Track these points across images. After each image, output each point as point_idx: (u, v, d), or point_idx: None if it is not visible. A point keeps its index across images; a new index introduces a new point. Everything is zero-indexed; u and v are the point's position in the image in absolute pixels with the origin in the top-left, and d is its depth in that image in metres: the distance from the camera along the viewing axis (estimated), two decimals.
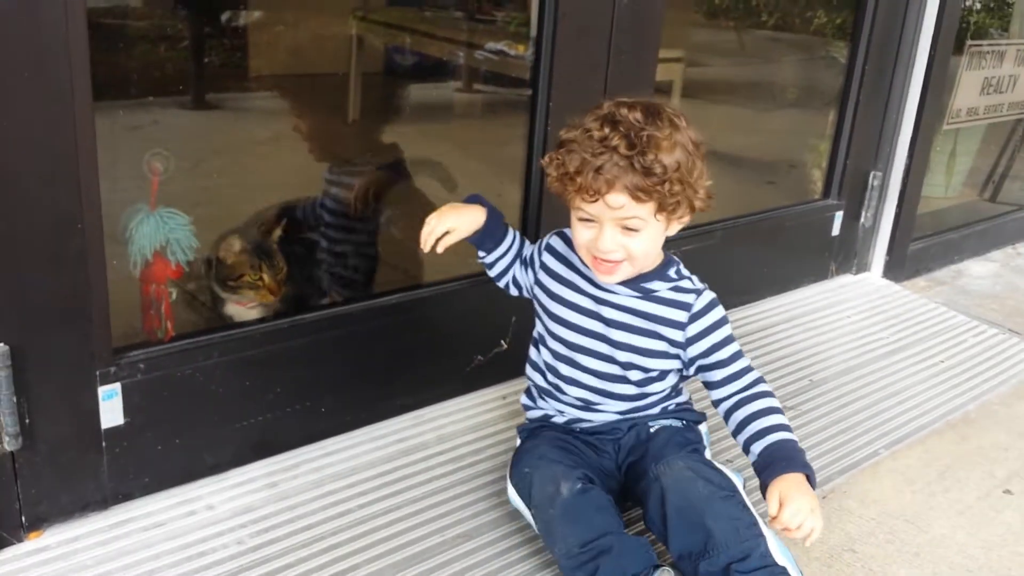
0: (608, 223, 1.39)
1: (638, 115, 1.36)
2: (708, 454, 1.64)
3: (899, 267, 2.90)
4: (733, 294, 2.53)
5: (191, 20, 2.04)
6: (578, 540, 1.36)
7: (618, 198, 1.35)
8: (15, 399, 1.35)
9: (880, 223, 2.84)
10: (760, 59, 3.78)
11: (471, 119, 3.03)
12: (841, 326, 2.53)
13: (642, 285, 1.50)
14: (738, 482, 1.47)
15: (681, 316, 1.51)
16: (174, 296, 1.58)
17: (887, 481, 1.86)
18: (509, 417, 1.95)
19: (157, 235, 1.52)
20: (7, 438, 1.36)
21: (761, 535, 1.37)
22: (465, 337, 1.98)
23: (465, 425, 1.91)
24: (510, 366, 2.01)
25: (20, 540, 1.44)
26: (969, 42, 2.90)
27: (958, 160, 3.38)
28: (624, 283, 1.50)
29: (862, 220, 2.82)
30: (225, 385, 1.60)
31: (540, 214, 2.02)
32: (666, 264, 1.53)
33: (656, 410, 1.61)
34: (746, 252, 2.53)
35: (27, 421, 1.38)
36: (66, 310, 1.38)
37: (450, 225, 1.55)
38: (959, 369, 2.35)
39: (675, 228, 1.45)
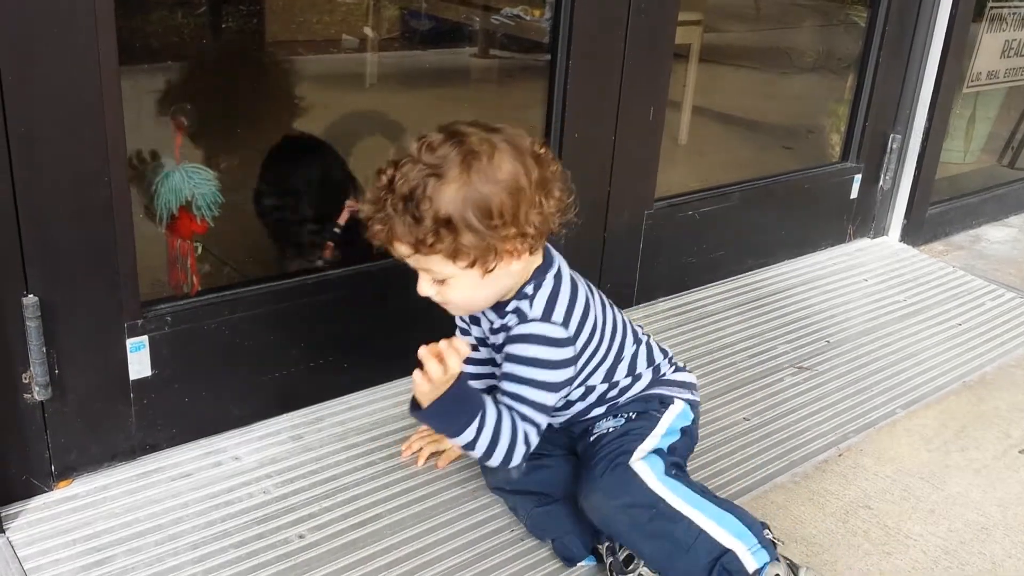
0: (419, 269, 1.31)
1: (430, 155, 1.23)
2: (657, 440, 1.45)
3: (917, 231, 2.89)
4: (750, 256, 2.54)
5: None
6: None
7: (401, 249, 1.27)
8: (44, 350, 1.37)
9: (898, 187, 2.82)
10: (777, 24, 3.75)
11: (488, 84, 3.03)
12: (858, 289, 2.54)
13: (504, 310, 1.38)
14: (656, 477, 1.36)
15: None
16: (199, 251, 1.60)
17: (903, 440, 1.87)
18: None
19: (182, 190, 1.53)
20: (37, 388, 1.39)
21: (700, 532, 1.31)
22: None
23: None
24: None
25: (50, 488, 1.47)
26: (990, 4, 2.87)
27: (977, 126, 3.35)
28: (493, 308, 1.40)
29: (880, 183, 2.81)
30: (251, 339, 1.62)
31: None
32: (529, 283, 1.36)
33: (601, 409, 1.51)
34: (764, 214, 2.53)
35: (56, 372, 1.41)
36: (94, 263, 1.40)
37: (437, 448, 1.62)
38: (976, 332, 2.35)
39: (519, 264, 1.30)
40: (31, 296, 1.34)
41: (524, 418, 1.36)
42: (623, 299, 2.23)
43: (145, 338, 1.49)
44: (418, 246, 1.24)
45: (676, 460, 1.45)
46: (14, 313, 1.34)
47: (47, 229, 1.35)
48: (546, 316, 1.34)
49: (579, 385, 1.47)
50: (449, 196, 1.21)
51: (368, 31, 2.75)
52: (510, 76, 3.07)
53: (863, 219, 2.83)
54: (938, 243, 2.99)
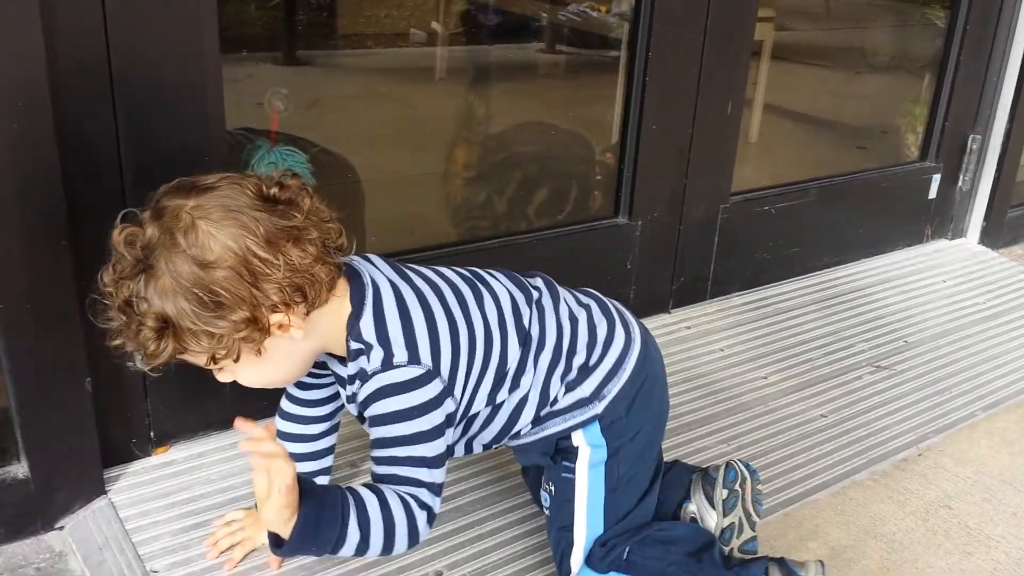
0: None
1: (133, 248, 1.05)
2: (584, 530, 1.33)
3: (996, 234, 2.84)
4: (826, 253, 2.52)
5: None
6: None
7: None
8: None
9: (978, 188, 2.78)
10: (848, 22, 3.71)
11: (555, 79, 3.05)
12: (936, 290, 2.50)
13: (347, 361, 1.20)
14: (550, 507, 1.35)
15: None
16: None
17: (984, 442, 1.85)
18: None
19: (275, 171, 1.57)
20: (139, 357, 1.44)
21: (569, 544, 1.31)
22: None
23: None
24: None
25: (148, 454, 1.53)
26: None
27: None
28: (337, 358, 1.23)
29: (959, 184, 2.77)
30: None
31: (636, 172, 2.03)
32: (353, 324, 1.15)
33: (526, 440, 1.34)
34: (840, 212, 2.51)
35: None
36: None
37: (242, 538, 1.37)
38: None
39: (287, 335, 1.10)
40: None
41: (408, 482, 1.14)
42: (697, 293, 2.24)
43: None
44: (152, 358, 1.06)
45: (618, 533, 1.31)
46: None
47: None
48: (387, 363, 1.13)
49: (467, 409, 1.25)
50: (161, 290, 1.03)
51: (436, 26, 2.78)
52: (577, 71, 3.08)
53: (941, 220, 2.79)
54: (1017, 247, 2.94)
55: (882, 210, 2.64)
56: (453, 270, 1.28)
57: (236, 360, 1.09)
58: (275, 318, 1.07)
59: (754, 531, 1.42)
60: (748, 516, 1.42)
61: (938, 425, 1.87)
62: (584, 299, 1.37)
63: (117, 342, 1.08)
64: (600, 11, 2.78)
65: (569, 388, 1.28)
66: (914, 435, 1.83)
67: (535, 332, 1.26)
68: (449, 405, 1.17)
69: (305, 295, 1.08)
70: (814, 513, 1.60)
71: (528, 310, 1.27)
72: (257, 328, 1.06)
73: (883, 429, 1.84)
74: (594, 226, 2.05)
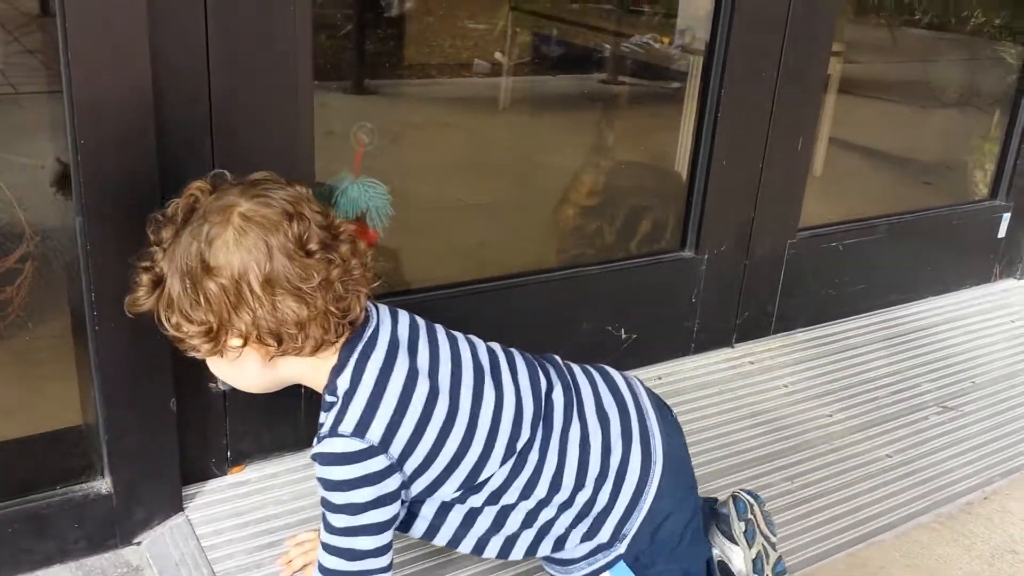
0: None
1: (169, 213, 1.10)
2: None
3: None
4: (893, 291, 2.51)
5: (350, 9, 2.15)
6: None
7: None
8: None
9: None
10: (915, 57, 3.68)
11: (617, 110, 3.07)
12: (1004, 330, 2.47)
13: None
14: None
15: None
16: (370, 259, 1.68)
17: None
18: (665, 397, 1.97)
19: (359, 202, 1.62)
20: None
21: None
22: (621, 317, 2.02)
23: None
24: (662, 348, 2.08)
25: (224, 473, 1.58)
26: None
27: None
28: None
29: None
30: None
31: (704, 206, 2.05)
32: (333, 377, 1.15)
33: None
34: (908, 249, 2.49)
35: None
36: None
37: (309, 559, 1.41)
38: None
39: (264, 359, 1.12)
40: None
41: (343, 554, 1.16)
42: (761, 328, 2.24)
43: None
44: (132, 302, 1.11)
45: None
46: None
47: None
48: (333, 429, 1.12)
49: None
50: (171, 256, 1.08)
51: (499, 56, 2.83)
52: (639, 102, 3.10)
53: (1010, 259, 2.75)
54: None
55: (950, 248, 2.61)
56: (471, 348, 1.23)
57: (193, 352, 1.12)
58: (234, 342, 1.09)
59: (776, 551, 1.42)
60: (767, 539, 1.41)
61: (1004, 468, 1.85)
62: (607, 404, 1.27)
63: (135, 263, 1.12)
64: (663, 43, 2.80)
65: (585, 538, 1.24)
66: (980, 478, 1.81)
67: (531, 458, 1.20)
68: (389, 486, 1.13)
69: (280, 342, 1.09)
70: (879, 554, 1.59)
71: (529, 432, 1.20)
72: (213, 339, 1.08)
73: (949, 471, 1.82)
74: (660, 259, 2.07)
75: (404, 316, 1.23)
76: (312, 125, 1.46)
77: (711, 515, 1.42)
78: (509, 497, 1.20)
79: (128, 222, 1.28)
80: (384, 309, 1.22)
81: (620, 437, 1.24)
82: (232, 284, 1.05)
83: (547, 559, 1.31)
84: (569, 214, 2.35)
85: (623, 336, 2.04)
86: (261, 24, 1.36)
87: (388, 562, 1.18)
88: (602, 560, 1.26)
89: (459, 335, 1.26)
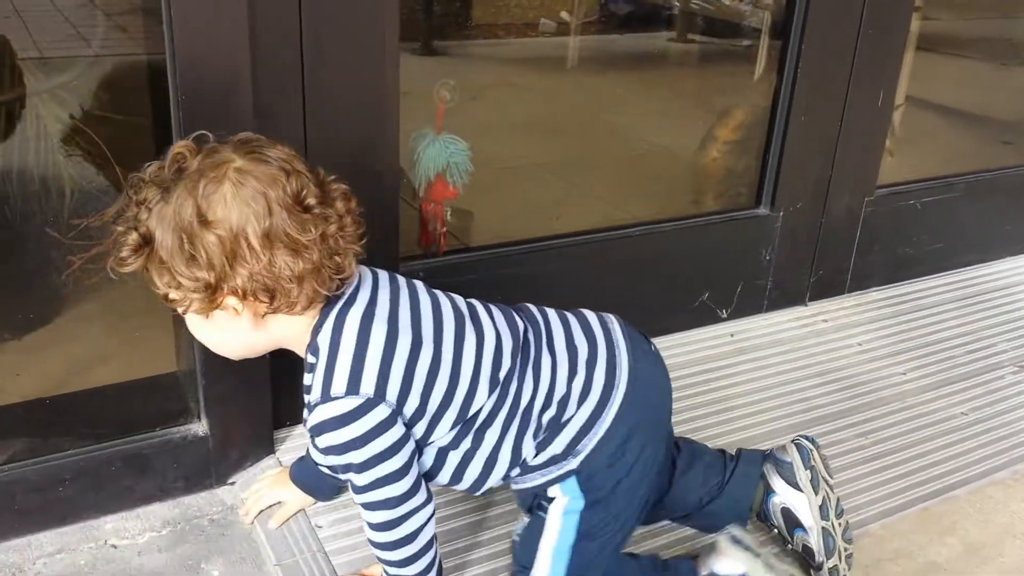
0: None
1: (166, 172, 1.08)
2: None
3: None
4: (970, 251, 2.47)
5: None
6: None
7: None
8: None
9: None
10: (995, 13, 3.56)
11: (686, 68, 3.04)
12: None
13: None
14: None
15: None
16: (449, 215, 1.73)
17: None
18: (735, 354, 2.01)
19: (440, 159, 1.66)
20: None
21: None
22: (695, 274, 2.04)
23: (694, 357, 1.98)
24: (734, 306, 2.09)
25: None
26: None
27: None
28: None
29: None
30: (487, 297, 1.70)
31: (780, 163, 2.03)
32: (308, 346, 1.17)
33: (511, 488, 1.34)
34: (986, 209, 2.45)
35: None
36: (366, 219, 1.53)
37: (278, 499, 1.47)
38: None
39: (236, 318, 1.11)
40: None
41: (381, 505, 1.18)
42: (836, 286, 2.23)
43: None
44: (118, 263, 1.09)
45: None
46: None
47: None
48: (325, 394, 1.12)
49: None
50: (160, 214, 1.06)
51: (565, 15, 2.82)
52: (708, 60, 3.07)
53: None
54: None
55: None
56: (451, 300, 1.26)
57: (184, 312, 1.11)
58: (230, 300, 1.08)
59: (835, 492, 1.43)
60: (829, 485, 1.42)
61: None
62: (577, 338, 1.29)
63: (114, 227, 1.09)
64: None
65: (540, 447, 1.25)
66: None
67: (511, 387, 1.22)
68: (397, 432, 1.15)
69: (272, 299, 1.08)
70: (952, 509, 1.60)
71: (509, 361, 1.23)
72: (210, 296, 1.07)
73: None
74: (734, 216, 2.07)
75: (384, 275, 1.24)
76: (398, 81, 1.50)
77: (773, 465, 1.44)
78: (495, 430, 1.23)
79: None
80: (365, 269, 1.23)
81: (585, 363, 1.26)
82: (230, 237, 1.04)
83: None
84: (714, 154, 2.35)
85: (696, 293, 2.05)
86: None
87: (425, 496, 1.21)
88: (555, 472, 1.26)
89: (439, 291, 1.28)
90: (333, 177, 1.15)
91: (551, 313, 1.34)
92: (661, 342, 1.98)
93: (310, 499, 1.47)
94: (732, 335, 2.07)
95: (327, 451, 1.15)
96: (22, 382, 1.58)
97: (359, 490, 1.18)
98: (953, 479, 1.66)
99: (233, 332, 1.14)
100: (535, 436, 1.25)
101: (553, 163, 2.58)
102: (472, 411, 1.21)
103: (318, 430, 1.14)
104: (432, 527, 1.23)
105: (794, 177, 2.04)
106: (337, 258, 1.10)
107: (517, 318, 1.29)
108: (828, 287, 2.22)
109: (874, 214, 2.19)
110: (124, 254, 1.07)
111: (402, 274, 1.52)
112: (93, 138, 1.59)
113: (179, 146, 1.09)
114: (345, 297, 1.16)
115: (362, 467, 1.15)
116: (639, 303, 1.97)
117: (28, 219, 1.55)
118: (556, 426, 1.25)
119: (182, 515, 1.49)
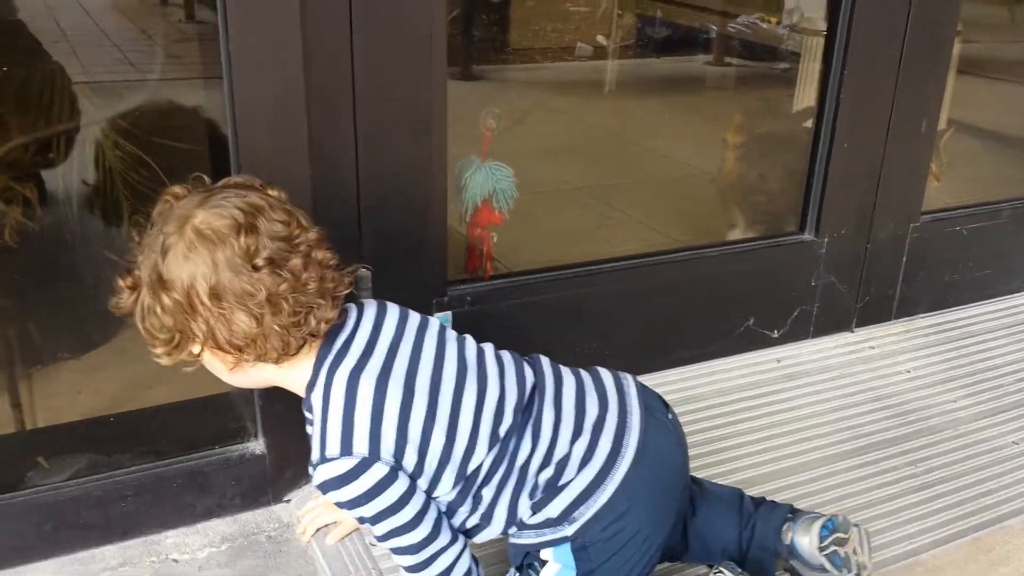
0: None
1: (164, 219, 1.12)
2: None
3: None
4: (1017, 278, 2.45)
5: None
6: None
7: None
8: None
9: None
10: None
11: (723, 91, 3.06)
12: None
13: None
14: None
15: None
16: (495, 239, 1.76)
17: None
18: (783, 379, 2.01)
19: (486, 185, 1.70)
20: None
21: None
22: (740, 299, 2.05)
23: (741, 383, 1.98)
24: (781, 331, 2.09)
25: None
26: None
27: None
28: None
29: None
30: (532, 321, 1.76)
31: (824, 189, 2.04)
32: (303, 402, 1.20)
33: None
34: None
35: None
36: (414, 245, 1.59)
37: (334, 517, 1.48)
38: None
39: (224, 359, 1.14)
40: (363, 270, 1.54)
41: (404, 551, 1.21)
42: (882, 312, 2.23)
43: (449, 314, 1.66)
44: (115, 303, 1.15)
45: None
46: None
47: (380, 215, 1.54)
48: (322, 456, 1.14)
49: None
50: (142, 263, 1.12)
51: (602, 39, 2.85)
52: (745, 83, 3.08)
53: None
54: None
55: None
56: (459, 348, 1.24)
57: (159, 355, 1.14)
58: (195, 348, 1.12)
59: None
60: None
61: None
62: (588, 398, 1.27)
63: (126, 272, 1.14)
64: (770, 23, 2.78)
65: (536, 507, 1.23)
66: None
67: (511, 443, 1.21)
68: (403, 485, 1.15)
69: (239, 350, 1.10)
70: (1006, 539, 1.58)
71: (511, 418, 1.21)
72: (176, 347, 1.11)
73: None
74: (779, 242, 2.08)
75: (392, 315, 1.24)
76: (445, 109, 1.53)
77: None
78: (491, 488, 1.21)
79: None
80: (371, 308, 1.23)
81: (592, 426, 1.23)
82: (183, 295, 1.07)
83: None
84: (731, 162, 2.37)
85: (741, 318, 2.05)
86: (400, 9, 1.44)
87: (449, 536, 1.21)
88: (548, 535, 1.23)
89: (451, 333, 1.27)
90: (311, 233, 1.13)
91: (564, 370, 1.31)
92: (707, 367, 2.01)
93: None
94: (779, 360, 2.08)
95: (339, 505, 1.16)
96: (83, 400, 1.63)
97: (379, 538, 1.20)
98: (1006, 508, 1.64)
99: (221, 372, 1.17)
100: (531, 496, 1.22)
101: (593, 187, 2.61)
102: (471, 468, 1.19)
103: (323, 488, 1.15)
104: (466, 561, 1.24)
105: (838, 203, 2.05)
106: (297, 316, 1.10)
107: (527, 370, 1.27)
108: (875, 313, 2.21)
109: (919, 240, 2.19)
110: (122, 296, 1.13)
111: (453, 296, 1.55)
112: (150, 164, 1.65)
113: (169, 191, 1.13)
114: (336, 349, 1.16)
115: (375, 520, 1.16)
116: (684, 328, 1.99)
117: (88, 242, 1.61)
118: (553, 488, 1.22)
119: (240, 531, 1.52)
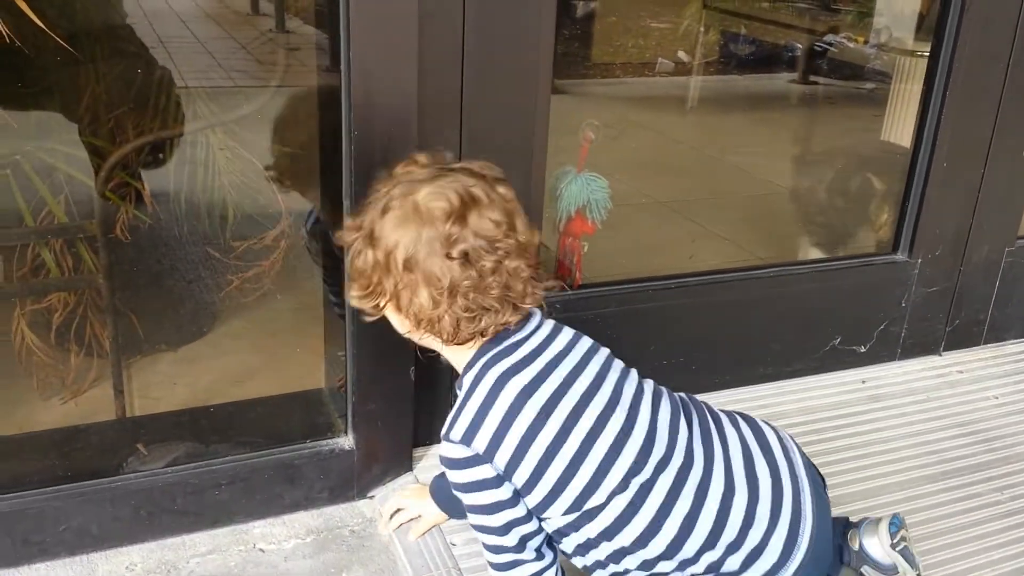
0: None
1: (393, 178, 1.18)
2: None
3: None
4: None
5: None
6: None
7: None
8: None
9: None
10: None
11: (807, 109, 3.03)
12: None
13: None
14: None
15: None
16: (586, 249, 1.77)
17: None
18: (868, 400, 1.98)
19: (581, 195, 1.72)
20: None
21: None
22: (828, 318, 2.02)
23: (826, 402, 1.96)
24: (867, 352, 2.07)
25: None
26: None
27: None
28: None
29: None
30: (618, 331, 1.77)
31: (920, 209, 2.01)
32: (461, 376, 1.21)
33: None
34: None
35: None
36: None
37: (417, 512, 1.51)
38: None
39: (402, 321, 1.18)
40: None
41: (488, 549, 1.22)
42: (972, 336, 2.19)
43: None
44: (339, 239, 1.23)
45: None
46: None
47: None
48: (447, 433, 1.16)
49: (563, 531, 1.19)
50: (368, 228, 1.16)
51: (683, 55, 2.84)
52: (830, 102, 3.05)
53: None
54: None
55: None
56: (622, 381, 1.20)
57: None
58: (381, 303, 1.16)
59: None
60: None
61: None
62: (758, 466, 1.19)
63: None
64: (857, 41, 2.75)
65: None
66: None
67: (654, 501, 1.14)
68: (504, 493, 1.15)
69: (415, 321, 1.14)
70: None
71: (649, 473, 1.14)
72: (368, 295, 1.16)
73: None
74: (871, 261, 2.05)
75: (565, 335, 1.22)
76: (547, 120, 1.56)
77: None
78: (623, 539, 1.15)
79: None
80: (548, 324, 1.22)
81: (769, 511, 1.16)
82: (384, 256, 1.12)
83: None
84: (772, 212, 2.34)
85: (828, 338, 2.03)
86: (510, 25, 1.47)
87: (534, 555, 1.20)
88: None
89: (617, 364, 1.24)
90: (515, 239, 1.13)
91: (725, 421, 1.25)
92: (792, 385, 2.00)
93: (445, 515, 1.52)
94: (864, 381, 2.05)
95: (451, 485, 1.20)
96: (180, 391, 1.69)
97: (472, 526, 1.22)
98: None
99: (399, 329, 1.20)
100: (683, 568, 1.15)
101: (675, 202, 2.61)
102: (589, 505, 1.14)
103: (440, 460, 1.19)
104: None
105: (933, 224, 2.02)
106: (471, 313, 1.12)
107: (683, 420, 1.21)
108: (964, 337, 2.17)
109: (1014, 265, 2.14)
110: (346, 232, 1.19)
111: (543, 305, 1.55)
112: (257, 166, 1.71)
113: (416, 156, 1.19)
114: (501, 348, 1.17)
115: (468, 509, 1.19)
116: (770, 344, 1.98)
117: (194, 240, 1.67)
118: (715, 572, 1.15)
119: (325, 524, 1.56)
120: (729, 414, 1.28)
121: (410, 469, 1.63)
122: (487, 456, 1.13)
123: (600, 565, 1.20)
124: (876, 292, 2.03)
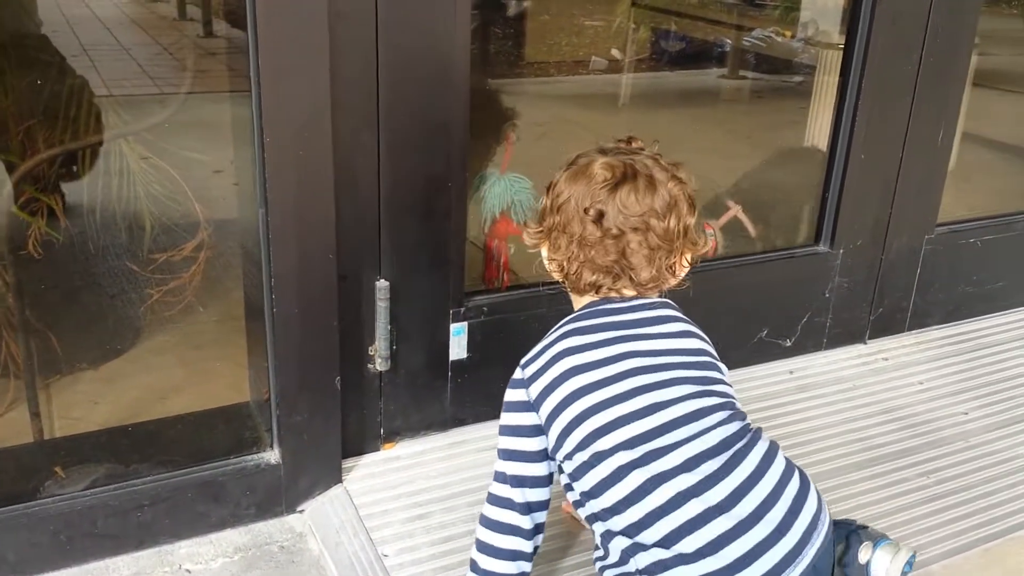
0: None
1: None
2: None
3: None
4: None
5: (473, 10, 2.22)
6: None
7: None
8: (389, 328, 1.58)
9: None
10: None
11: (738, 104, 3.06)
12: None
13: None
14: None
15: None
16: (512, 251, 1.76)
17: None
18: (796, 391, 2.01)
19: (505, 197, 1.71)
20: (379, 360, 1.60)
21: None
22: (754, 311, 2.05)
23: (755, 393, 1.99)
24: (794, 343, 2.10)
25: (377, 449, 1.68)
26: None
27: None
28: None
29: None
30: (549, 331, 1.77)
31: (840, 201, 2.04)
32: None
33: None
34: None
35: (394, 348, 1.61)
36: (433, 256, 1.60)
37: None
38: None
39: (549, 261, 1.33)
40: (383, 281, 1.55)
41: (495, 475, 1.30)
42: (896, 324, 2.23)
43: (465, 324, 1.67)
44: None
45: None
46: (369, 295, 1.56)
47: (400, 226, 1.55)
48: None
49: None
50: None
51: (616, 52, 2.86)
52: (760, 96, 3.09)
53: None
54: None
55: None
56: (680, 373, 1.26)
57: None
58: (543, 242, 1.32)
59: None
60: None
61: None
62: (772, 512, 1.21)
63: None
64: (785, 36, 2.78)
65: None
66: None
67: (654, 467, 1.17)
68: (528, 419, 1.26)
69: (553, 259, 1.30)
70: (1017, 550, 1.58)
71: (660, 446, 1.18)
72: (537, 232, 1.32)
73: None
74: (794, 253, 2.08)
75: (661, 323, 1.31)
76: (467, 120, 1.55)
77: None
78: (609, 498, 1.19)
79: (303, 211, 1.39)
80: (658, 304, 1.33)
81: (759, 541, 1.17)
82: (552, 199, 1.29)
83: None
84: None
85: (755, 330, 2.06)
86: (424, 23, 1.46)
87: (528, 519, 1.26)
88: None
89: (708, 366, 1.34)
90: (658, 224, 1.25)
91: (772, 466, 1.28)
92: None
93: None
94: (791, 372, 2.08)
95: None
96: (101, 410, 1.64)
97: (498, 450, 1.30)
98: (1017, 519, 1.64)
99: (547, 265, 1.33)
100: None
101: None
102: (596, 448, 1.19)
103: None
104: (521, 545, 1.26)
105: (853, 215, 2.05)
106: (578, 266, 1.27)
107: (723, 433, 1.24)
108: (888, 325, 2.22)
109: (934, 252, 2.19)
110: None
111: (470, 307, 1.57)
112: (174, 176, 1.67)
113: (631, 136, 1.36)
114: (599, 308, 1.29)
115: (500, 429, 1.29)
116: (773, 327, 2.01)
117: (109, 254, 1.62)
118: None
119: (253, 541, 1.53)
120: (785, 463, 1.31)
121: (339, 481, 1.61)
122: (528, 383, 1.26)
123: (596, 518, 1.24)
124: (800, 284, 2.06)
